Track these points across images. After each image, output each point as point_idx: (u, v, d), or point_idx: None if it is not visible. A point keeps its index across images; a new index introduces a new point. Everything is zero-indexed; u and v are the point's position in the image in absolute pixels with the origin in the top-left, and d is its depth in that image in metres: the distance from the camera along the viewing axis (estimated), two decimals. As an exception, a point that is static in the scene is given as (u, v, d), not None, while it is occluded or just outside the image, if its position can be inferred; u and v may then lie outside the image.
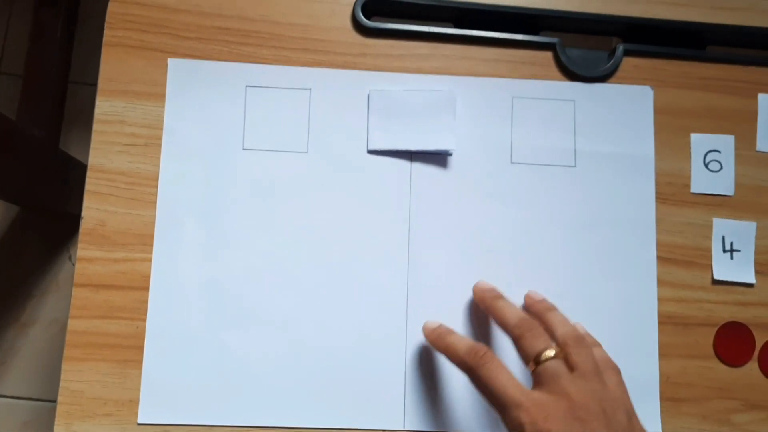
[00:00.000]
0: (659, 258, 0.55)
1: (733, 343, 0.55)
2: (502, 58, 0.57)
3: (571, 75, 0.57)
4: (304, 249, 0.54)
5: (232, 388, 0.52)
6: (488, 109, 0.57)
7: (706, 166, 0.57)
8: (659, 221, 0.56)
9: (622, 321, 0.54)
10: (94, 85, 0.55)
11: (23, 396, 1.02)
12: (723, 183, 0.56)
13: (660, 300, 0.55)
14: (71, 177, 0.91)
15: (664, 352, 0.54)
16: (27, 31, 1.02)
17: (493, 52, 0.57)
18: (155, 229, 0.53)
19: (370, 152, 0.55)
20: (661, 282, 0.55)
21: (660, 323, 0.54)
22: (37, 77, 0.94)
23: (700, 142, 0.57)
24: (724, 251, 0.56)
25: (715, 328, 0.55)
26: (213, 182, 0.54)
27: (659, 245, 0.55)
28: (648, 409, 0.53)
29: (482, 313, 0.54)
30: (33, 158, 0.81)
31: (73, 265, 1.09)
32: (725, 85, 0.58)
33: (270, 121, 0.55)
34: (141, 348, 0.52)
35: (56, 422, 0.51)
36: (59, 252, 1.07)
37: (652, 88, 0.57)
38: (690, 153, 0.57)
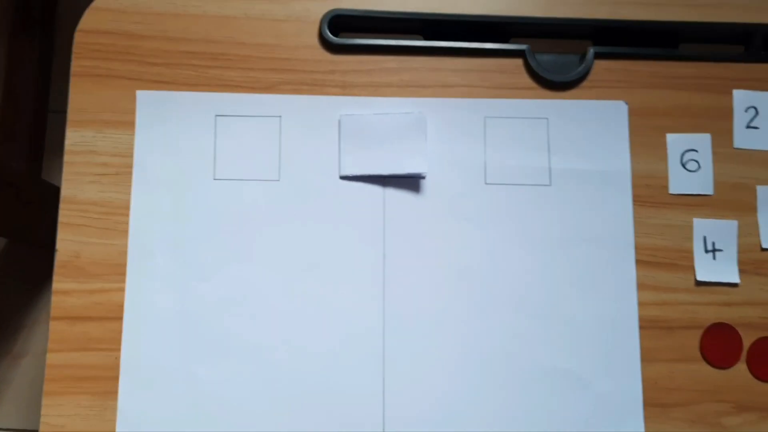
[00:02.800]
0: (640, 262, 0.54)
1: (719, 344, 0.54)
2: (473, 67, 0.57)
3: (542, 81, 0.56)
4: (278, 278, 0.53)
5: (207, 421, 0.51)
6: (460, 130, 0.56)
7: (684, 165, 0.56)
8: (638, 224, 0.55)
9: (602, 337, 0.53)
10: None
11: (18, 428, 1.01)
12: (701, 182, 0.56)
13: (643, 304, 0.54)
14: (55, 207, 0.90)
15: (650, 357, 0.53)
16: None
17: (462, 62, 0.57)
18: (127, 260, 0.53)
19: (343, 178, 0.55)
20: (643, 286, 0.54)
21: (643, 328, 0.54)
22: (15, 108, 0.94)
23: (676, 141, 0.56)
24: (706, 251, 0.55)
25: (701, 330, 0.54)
26: (184, 213, 0.54)
27: (639, 249, 0.55)
28: (632, 422, 0.53)
29: (455, 336, 0.53)
30: (15, 191, 0.81)
31: (63, 293, 1.08)
32: (699, 83, 0.57)
33: (241, 149, 0.55)
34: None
35: (38, 458, 0.51)
36: (48, 282, 1.06)
37: (626, 103, 0.56)
38: (666, 153, 0.56)
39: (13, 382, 1.02)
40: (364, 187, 0.55)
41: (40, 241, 1.02)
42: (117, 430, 0.51)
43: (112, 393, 0.51)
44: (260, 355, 0.52)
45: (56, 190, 0.54)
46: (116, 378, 0.52)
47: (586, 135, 0.56)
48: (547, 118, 0.56)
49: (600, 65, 0.57)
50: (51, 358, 0.52)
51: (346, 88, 0.56)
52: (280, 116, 0.55)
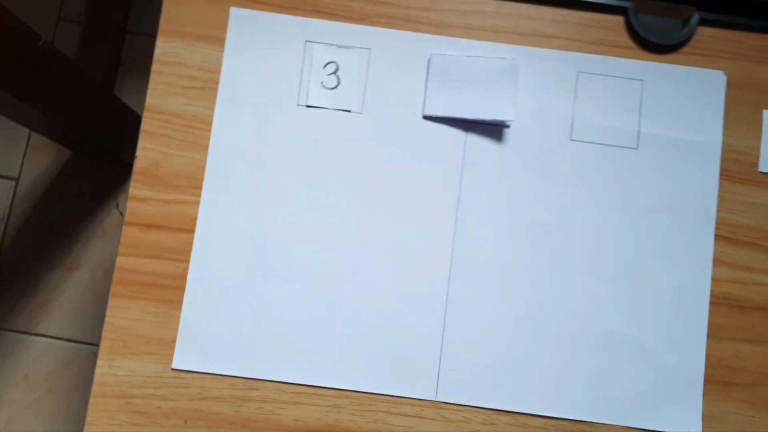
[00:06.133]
0: (720, 237, 0.53)
1: (791, 330, 0.53)
2: (572, 20, 0.55)
3: (641, 42, 0.55)
4: (351, 209, 0.53)
5: (268, 342, 0.52)
6: (552, 83, 0.55)
7: (778, 145, 0.54)
8: (723, 199, 0.54)
9: (671, 308, 0.53)
10: (151, 35, 0.55)
11: (65, 337, 1.04)
12: (794, 164, 0.54)
13: (717, 280, 0.53)
14: (124, 124, 0.91)
15: (717, 334, 0.52)
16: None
17: (562, 13, 0.55)
18: (205, 174, 0.53)
19: (426, 118, 0.54)
20: (719, 262, 0.53)
21: (715, 304, 0.53)
22: (96, 20, 0.95)
23: (772, 119, 0.54)
24: (790, 235, 0.53)
25: (774, 314, 0.53)
26: (266, 135, 0.54)
27: (721, 224, 0.53)
28: (691, 396, 0.52)
29: (522, 289, 0.53)
30: (89, 99, 0.81)
31: (120, 213, 1.10)
32: (805, 62, 0.55)
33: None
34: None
35: (99, 356, 0.51)
36: (107, 198, 1.08)
37: (726, 74, 0.55)
38: (761, 131, 0.54)
39: (64, 292, 1.05)
40: (447, 129, 0.54)
41: (105, 157, 1.04)
42: (178, 338, 0.52)
43: (177, 302, 0.52)
44: (325, 282, 0.52)
45: (126, 108, 0.54)
46: (182, 288, 0.52)
47: (680, 102, 0.54)
48: (642, 80, 0.54)
49: (703, 32, 0.55)
50: (121, 261, 0.52)
51: (440, 28, 0.55)
52: (370, 48, 0.55)
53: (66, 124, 0.78)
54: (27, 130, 1.08)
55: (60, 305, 1.04)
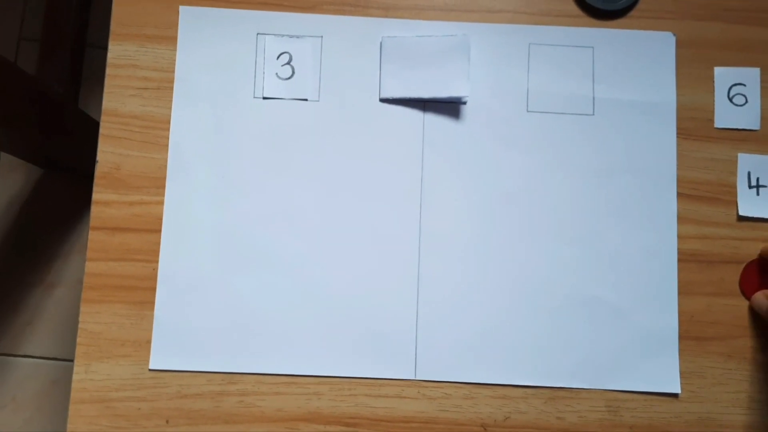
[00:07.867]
0: (682, 195, 0.54)
1: (759, 280, 0.53)
2: (518, -7, 0.56)
3: (589, 9, 0.55)
4: (316, 197, 0.53)
5: (243, 335, 0.52)
6: (504, 56, 0.55)
7: (731, 100, 0.55)
8: (681, 157, 0.54)
9: (640, 268, 0.53)
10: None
11: (50, 356, 1.03)
12: (748, 117, 0.55)
13: (683, 238, 0.53)
14: (92, 137, 0.91)
15: (688, 290, 0.53)
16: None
17: (508, -13, 0.56)
18: (167, 173, 0.53)
19: (383, 101, 0.55)
20: (684, 219, 0.54)
21: (683, 261, 0.53)
22: (54, 35, 0.95)
23: (724, 75, 0.55)
24: (750, 187, 0.54)
25: (741, 266, 0.53)
26: (224, 129, 0.54)
27: (681, 182, 0.54)
28: (667, 354, 0.52)
29: (492, 261, 0.53)
30: (53, 114, 0.81)
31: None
32: (750, 16, 0.56)
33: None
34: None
35: (75, 363, 0.51)
36: (83, 213, 1.07)
37: (675, 35, 0.55)
38: (713, 87, 0.55)
39: (46, 311, 1.04)
40: (404, 110, 0.55)
41: (76, 171, 1.03)
42: (153, 338, 0.52)
43: (149, 303, 0.52)
44: (296, 269, 0.53)
45: (93, 121, 0.54)
46: (153, 288, 0.52)
47: (632, 65, 0.55)
48: (592, 47, 0.55)
49: (649, -5, 0.56)
50: (90, 266, 0.52)
51: (389, 11, 0.55)
52: (321, 36, 0.55)
53: (28, 137, 0.78)
54: (-3, 152, 1.08)
55: (43, 324, 1.04)
